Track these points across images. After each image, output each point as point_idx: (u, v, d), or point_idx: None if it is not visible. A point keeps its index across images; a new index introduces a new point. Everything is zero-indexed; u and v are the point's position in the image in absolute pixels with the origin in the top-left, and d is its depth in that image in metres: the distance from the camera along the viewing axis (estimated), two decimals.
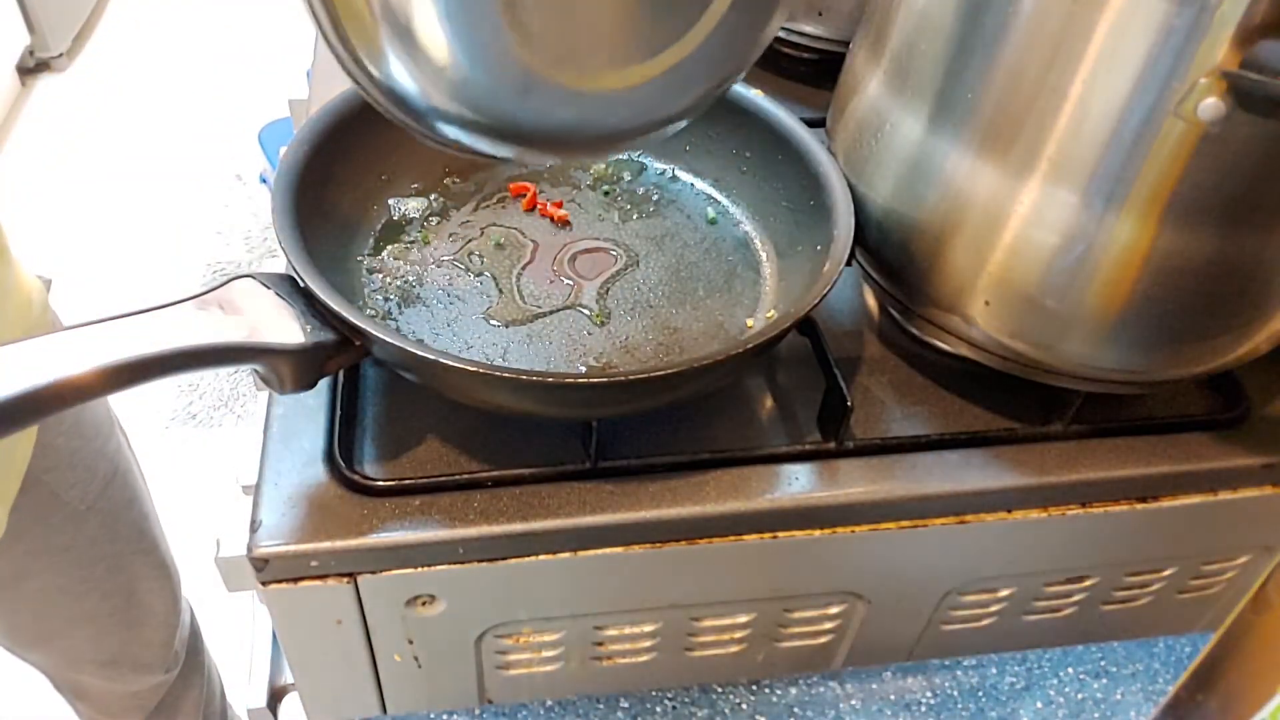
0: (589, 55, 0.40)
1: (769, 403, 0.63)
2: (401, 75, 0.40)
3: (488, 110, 0.43)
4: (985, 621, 0.71)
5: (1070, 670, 0.54)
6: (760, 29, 0.45)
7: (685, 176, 0.73)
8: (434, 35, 0.39)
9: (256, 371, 0.51)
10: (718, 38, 0.41)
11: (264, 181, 1.92)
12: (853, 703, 0.52)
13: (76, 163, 2.32)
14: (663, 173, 0.73)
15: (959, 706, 0.53)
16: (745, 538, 0.58)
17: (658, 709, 0.52)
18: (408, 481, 0.56)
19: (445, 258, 0.66)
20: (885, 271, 0.63)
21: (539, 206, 0.70)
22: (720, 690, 0.53)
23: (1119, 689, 0.54)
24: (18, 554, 0.74)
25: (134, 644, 0.90)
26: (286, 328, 0.51)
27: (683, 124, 0.48)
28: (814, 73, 0.92)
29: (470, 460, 0.58)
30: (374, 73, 0.41)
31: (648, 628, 0.65)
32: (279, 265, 0.74)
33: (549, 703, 0.52)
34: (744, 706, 0.52)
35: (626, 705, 0.52)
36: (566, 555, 0.57)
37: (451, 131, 0.44)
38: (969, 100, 0.53)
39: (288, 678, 0.74)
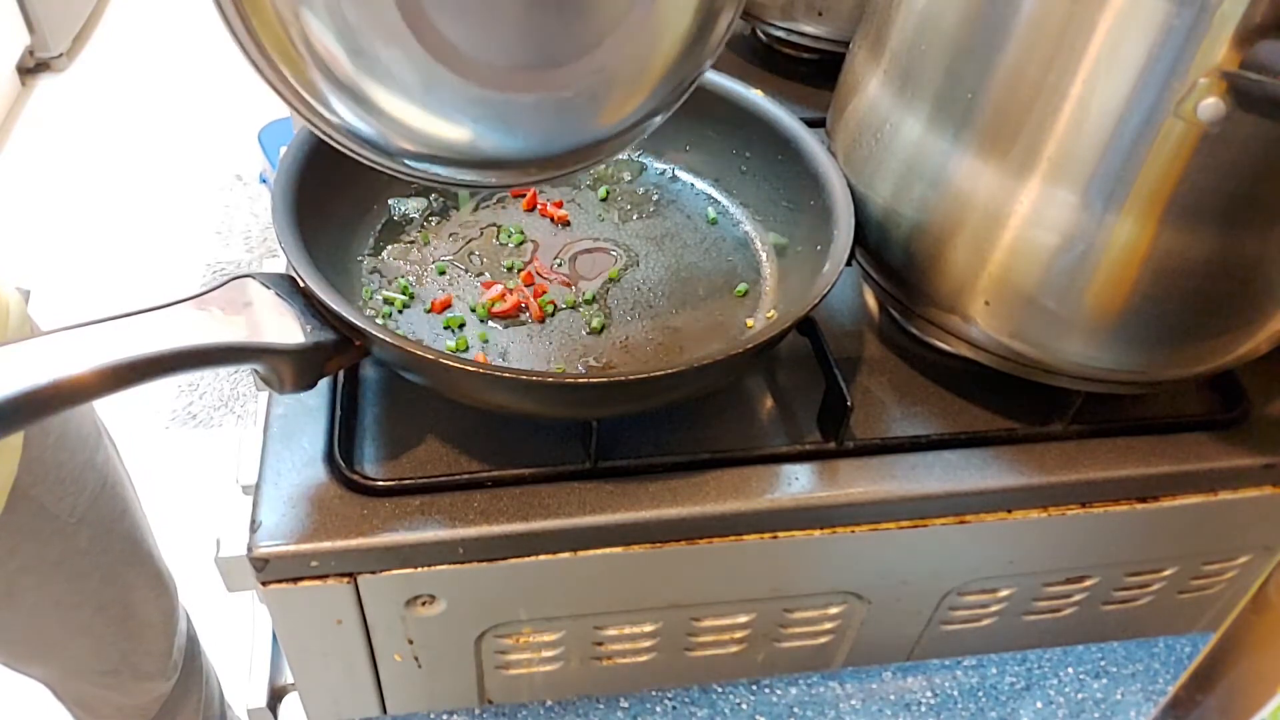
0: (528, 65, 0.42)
1: (769, 403, 0.63)
2: (355, 120, 0.42)
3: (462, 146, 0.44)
4: (985, 621, 0.71)
5: (1070, 670, 0.54)
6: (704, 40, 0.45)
7: (685, 176, 0.73)
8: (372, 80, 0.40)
9: (256, 371, 0.51)
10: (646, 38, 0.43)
11: (264, 181, 1.93)
12: (853, 703, 0.52)
13: (76, 163, 2.32)
14: (663, 173, 0.73)
15: (959, 706, 0.53)
16: (745, 538, 0.58)
17: (658, 709, 0.52)
18: (408, 481, 0.56)
19: (445, 258, 0.66)
20: (885, 271, 0.63)
21: (539, 206, 0.70)
22: (720, 690, 0.53)
23: (1119, 689, 0.54)
24: (10, 570, 0.74)
25: (133, 654, 0.90)
26: (286, 328, 0.51)
27: (659, 120, 0.49)
28: (814, 73, 0.92)
29: (470, 460, 0.58)
30: (331, 119, 0.42)
31: (648, 628, 0.65)
32: (279, 265, 0.74)
33: (549, 703, 0.52)
34: (744, 706, 0.52)
35: (626, 705, 0.52)
36: (566, 555, 0.57)
37: (425, 167, 0.45)
38: (969, 100, 0.53)
39: (288, 678, 0.74)
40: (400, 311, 0.62)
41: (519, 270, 0.66)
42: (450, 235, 0.68)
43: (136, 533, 0.87)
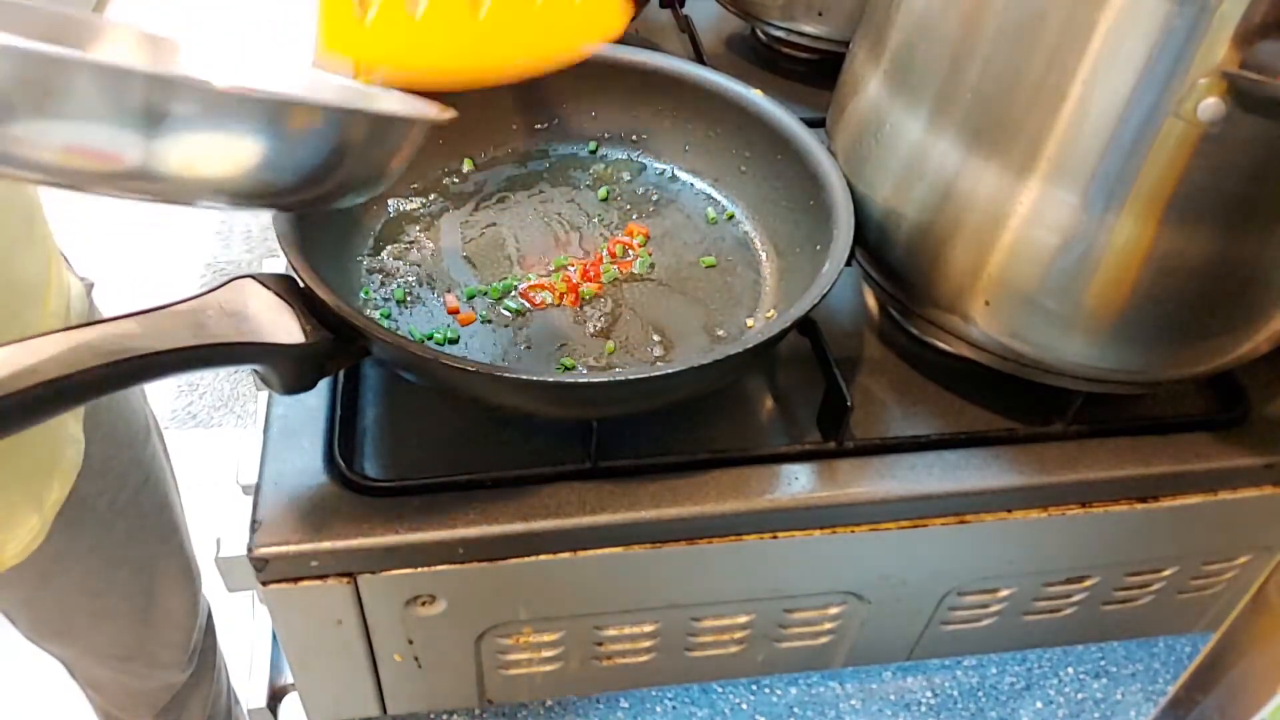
0: None
1: (769, 403, 0.63)
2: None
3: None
4: (985, 621, 0.71)
5: (1070, 670, 0.54)
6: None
7: (685, 176, 0.73)
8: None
9: (256, 371, 0.51)
10: None
11: None
12: (853, 703, 0.52)
13: None
14: (663, 173, 0.73)
15: (959, 706, 0.53)
16: (745, 538, 0.58)
17: (658, 709, 0.52)
18: (408, 481, 0.56)
19: (446, 257, 0.66)
20: (885, 271, 0.63)
21: None
22: (720, 690, 0.53)
23: (1119, 689, 0.54)
24: (44, 557, 0.74)
25: (151, 642, 0.90)
26: (286, 328, 0.51)
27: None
28: (814, 73, 0.92)
29: (470, 460, 0.58)
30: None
31: (648, 628, 0.65)
32: (279, 265, 0.74)
33: (549, 703, 0.52)
34: (744, 706, 0.52)
35: (626, 705, 0.52)
36: (566, 555, 0.57)
37: None
38: (969, 100, 0.53)
39: (288, 678, 0.74)
40: (400, 312, 0.62)
41: (518, 271, 0.66)
42: (450, 235, 0.68)
43: (172, 525, 0.87)
